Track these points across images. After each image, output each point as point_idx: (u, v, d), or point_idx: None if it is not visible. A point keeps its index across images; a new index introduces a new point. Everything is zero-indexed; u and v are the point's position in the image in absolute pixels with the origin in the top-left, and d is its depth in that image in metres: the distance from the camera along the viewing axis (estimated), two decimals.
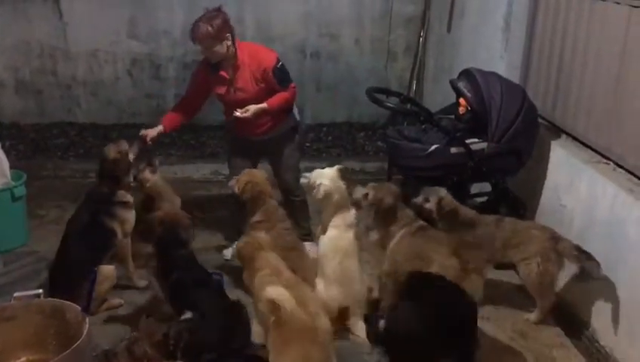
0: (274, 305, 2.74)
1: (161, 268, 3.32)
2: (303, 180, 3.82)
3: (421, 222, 3.57)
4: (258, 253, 3.15)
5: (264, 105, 4.02)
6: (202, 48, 3.98)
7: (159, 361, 2.83)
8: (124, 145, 3.84)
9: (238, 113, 3.97)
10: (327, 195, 3.52)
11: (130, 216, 3.78)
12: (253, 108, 3.98)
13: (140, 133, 4.10)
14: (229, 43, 3.98)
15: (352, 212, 3.59)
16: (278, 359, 2.74)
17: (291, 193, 4.31)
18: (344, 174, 3.71)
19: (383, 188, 3.62)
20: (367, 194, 3.58)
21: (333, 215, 3.54)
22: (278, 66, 4.05)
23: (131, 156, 3.84)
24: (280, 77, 4.07)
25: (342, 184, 3.64)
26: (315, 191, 3.58)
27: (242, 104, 4.01)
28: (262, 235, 3.36)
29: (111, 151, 3.78)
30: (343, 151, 6.34)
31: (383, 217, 3.55)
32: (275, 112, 4.11)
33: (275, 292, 2.81)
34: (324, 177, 3.63)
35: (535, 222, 3.96)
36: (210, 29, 3.86)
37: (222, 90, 4.11)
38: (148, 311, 3.42)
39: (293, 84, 4.15)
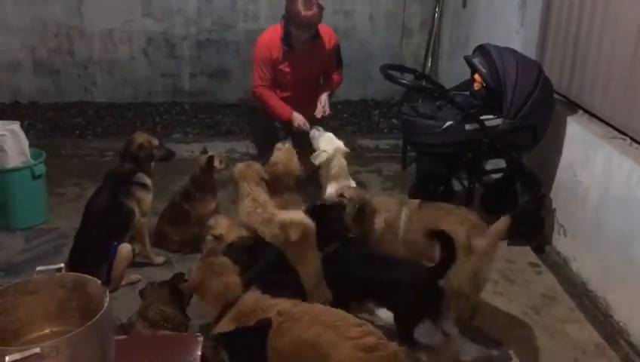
0: (297, 225, 3.07)
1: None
2: (314, 132, 3.93)
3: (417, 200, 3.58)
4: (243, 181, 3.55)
5: (328, 92, 4.20)
6: (307, 32, 3.97)
7: (179, 318, 2.91)
8: (155, 140, 3.91)
9: (319, 114, 4.16)
10: (325, 164, 3.63)
11: (148, 196, 3.85)
12: (326, 101, 4.16)
13: (300, 127, 4.13)
14: None
15: (350, 183, 3.70)
16: (308, 266, 3.10)
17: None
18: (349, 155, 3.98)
19: (355, 189, 3.71)
20: (342, 195, 3.54)
21: (330, 183, 3.78)
22: (339, 44, 4.13)
23: (155, 152, 3.89)
24: (338, 56, 4.19)
25: (343, 160, 3.79)
26: (316, 153, 3.70)
27: (306, 81, 4.09)
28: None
29: (140, 136, 3.86)
30: (357, 128, 6.33)
31: (361, 220, 3.51)
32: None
33: (296, 215, 3.15)
34: (330, 146, 3.73)
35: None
36: (317, 11, 3.87)
37: (294, 67, 4.09)
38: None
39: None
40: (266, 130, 4.40)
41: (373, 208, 3.54)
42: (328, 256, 3.14)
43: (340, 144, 3.87)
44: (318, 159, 3.80)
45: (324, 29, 4.17)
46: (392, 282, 2.95)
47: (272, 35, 4.10)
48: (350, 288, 3.10)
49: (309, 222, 3.11)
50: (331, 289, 3.13)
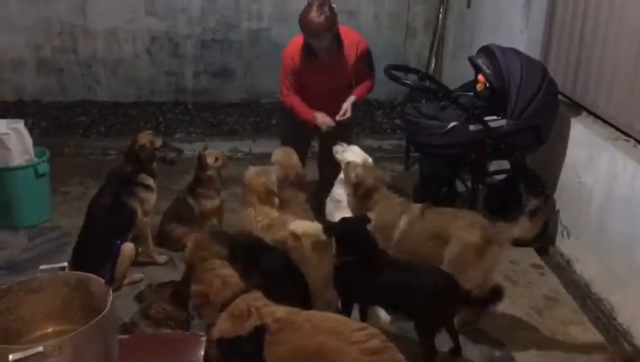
0: (309, 237, 3.09)
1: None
2: (337, 147, 3.87)
3: (420, 204, 3.50)
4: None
5: (353, 97, 4.08)
6: (317, 40, 3.86)
7: (181, 315, 2.91)
8: (159, 140, 3.89)
9: (340, 118, 4.04)
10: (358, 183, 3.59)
11: (151, 196, 3.85)
12: (348, 106, 4.04)
13: (326, 127, 4.03)
14: (337, 27, 3.91)
15: None
16: (318, 271, 3.11)
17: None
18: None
19: (369, 170, 3.64)
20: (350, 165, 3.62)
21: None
22: (369, 49, 4.06)
23: (158, 153, 3.88)
24: (370, 61, 4.11)
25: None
26: (349, 171, 3.63)
27: (331, 89, 4.02)
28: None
29: (143, 137, 3.85)
30: (360, 129, 6.31)
31: (360, 198, 3.55)
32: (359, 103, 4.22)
33: (309, 226, 3.16)
34: (359, 160, 3.70)
35: None
36: (325, 19, 3.75)
37: (318, 76, 4.02)
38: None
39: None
40: (293, 132, 4.32)
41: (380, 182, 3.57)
42: (341, 264, 3.05)
43: (367, 157, 3.79)
44: (352, 179, 3.63)
45: (351, 36, 4.08)
46: (411, 288, 2.89)
47: (296, 43, 4.04)
48: (366, 294, 3.06)
49: (320, 233, 3.07)
50: (340, 294, 3.11)
